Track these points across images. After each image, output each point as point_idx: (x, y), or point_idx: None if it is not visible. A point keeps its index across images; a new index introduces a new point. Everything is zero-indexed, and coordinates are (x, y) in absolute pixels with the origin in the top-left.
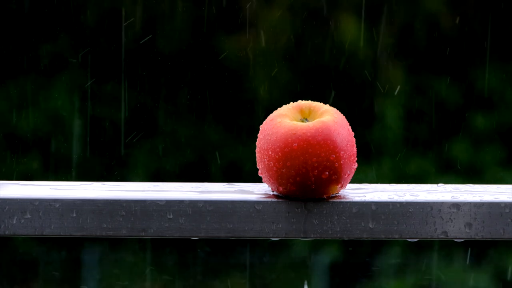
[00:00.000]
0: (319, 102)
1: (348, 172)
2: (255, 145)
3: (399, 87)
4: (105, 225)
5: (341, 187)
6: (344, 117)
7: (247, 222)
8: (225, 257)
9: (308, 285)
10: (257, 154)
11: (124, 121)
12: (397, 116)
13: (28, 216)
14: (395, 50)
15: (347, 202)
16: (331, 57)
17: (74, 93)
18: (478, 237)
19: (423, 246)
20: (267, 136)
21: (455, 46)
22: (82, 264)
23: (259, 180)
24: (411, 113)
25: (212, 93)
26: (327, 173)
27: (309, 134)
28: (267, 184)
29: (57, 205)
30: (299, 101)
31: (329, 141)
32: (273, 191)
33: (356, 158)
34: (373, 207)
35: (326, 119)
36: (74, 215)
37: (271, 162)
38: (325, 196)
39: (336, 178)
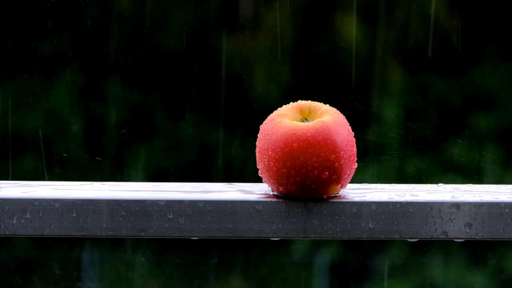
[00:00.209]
0: (319, 102)
1: (348, 172)
2: (255, 145)
3: (399, 87)
4: (105, 225)
5: (341, 187)
6: (344, 117)
7: (247, 222)
8: (225, 257)
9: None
10: (257, 154)
11: (124, 121)
12: (397, 116)
13: (28, 216)
14: (395, 50)
15: (347, 202)
16: (331, 57)
17: (74, 93)
18: (478, 237)
19: (423, 246)
20: (267, 136)
21: (455, 46)
22: (82, 264)
23: (259, 180)
24: (411, 113)
25: (212, 93)
26: (327, 173)
27: (309, 134)
28: (267, 184)
29: (57, 205)
30: (299, 101)
31: (329, 141)
32: (273, 191)
33: (356, 158)
34: (373, 207)
35: (326, 119)
36: (74, 215)
37: (271, 162)
38: (325, 196)
39: (336, 178)
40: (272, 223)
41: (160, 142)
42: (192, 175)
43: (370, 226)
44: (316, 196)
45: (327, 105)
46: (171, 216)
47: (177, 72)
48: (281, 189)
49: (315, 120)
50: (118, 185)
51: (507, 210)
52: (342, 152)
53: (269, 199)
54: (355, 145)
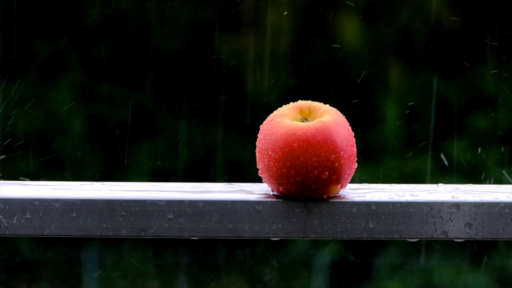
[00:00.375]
0: (319, 102)
1: (348, 172)
2: (255, 145)
3: (399, 87)
4: (105, 225)
5: (341, 187)
6: (344, 117)
7: (247, 222)
8: (225, 257)
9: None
10: (257, 154)
11: (124, 121)
12: (397, 116)
13: (28, 216)
14: (395, 50)
15: (347, 202)
16: (331, 57)
17: (74, 93)
18: (478, 237)
19: (423, 246)
20: (267, 136)
21: (455, 46)
22: (82, 264)
23: (259, 180)
24: (411, 113)
25: (212, 93)
26: (327, 173)
27: (309, 134)
28: (267, 184)
29: (57, 205)
30: (299, 101)
31: (329, 141)
32: (273, 191)
33: (356, 158)
34: (373, 207)
35: (326, 119)
36: (74, 215)
37: (271, 162)
38: (325, 196)
39: (336, 178)
40: (272, 223)
41: (160, 142)
42: (192, 175)
43: (370, 226)
44: (316, 196)
45: (327, 105)
46: (171, 216)
47: (177, 72)
48: (281, 189)
49: (315, 120)
50: (118, 185)
51: (507, 210)
52: (342, 152)
53: (269, 199)
54: (355, 145)
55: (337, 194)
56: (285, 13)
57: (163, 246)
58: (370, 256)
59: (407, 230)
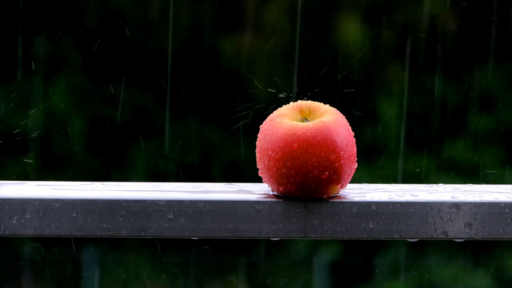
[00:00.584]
0: (319, 102)
1: (348, 172)
2: (255, 145)
3: (399, 87)
4: (105, 225)
5: (341, 187)
6: (344, 117)
7: (247, 222)
8: (225, 257)
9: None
10: (257, 154)
11: (124, 121)
12: (397, 116)
13: (28, 216)
14: (395, 49)
15: (347, 202)
16: (331, 57)
17: (74, 93)
18: (478, 237)
19: (423, 246)
20: (267, 136)
21: (456, 46)
22: (82, 264)
23: (259, 180)
24: (411, 113)
25: (212, 93)
26: (327, 173)
27: (309, 134)
28: (267, 184)
29: (57, 205)
30: (299, 101)
31: (329, 141)
32: (273, 191)
33: (356, 158)
34: (373, 207)
35: (326, 119)
36: (74, 215)
37: (271, 162)
38: (325, 196)
39: (336, 178)
40: (272, 223)
41: (160, 142)
42: (192, 175)
43: (370, 226)
44: (316, 196)
45: (327, 105)
46: (171, 216)
47: (177, 72)
48: (281, 189)
49: (315, 120)
50: (118, 185)
51: (507, 210)
52: (342, 152)
53: (269, 199)
54: (355, 145)
55: (337, 194)
56: (286, 12)
57: (163, 246)
58: (370, 256)
59: (407, 230)
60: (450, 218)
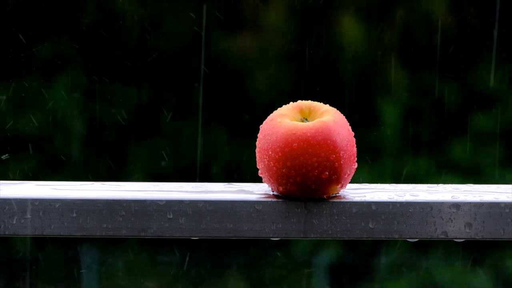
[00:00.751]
0: (319, 102)
1: (348, 172)
2: (255, 145)
3: (399, 87)
4: (105, 225)
5: (341, 187)
6: (344, 117)
7: (247, 222)
8: (225, 257)
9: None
10: (257, 154)
11: (124, 121)
12: (397, 116)
13: (28, 216)
14: (396, 49)
15: (347, 202)
16: (331, 57)
17: (74, 93)
18: (478, 237)
19: (423, 246)
20: (267, 136)
21: (456, 46)
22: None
23: (259, 180)
24: (411, 113)
25: (212, 93)
26: (327, 173)
27: (309, 134)
28: (267, 184)
29: (57, 205)
30: (299, 101)
31: (329, 141)
32: (273, 191)
33: (356, 158)
34: (373, 207)
35: (326, 119)
36: (74, 215)
37: (271, 162)
38: (325, 196)
39: (336, 178)
40: (272, 223)
41: (160, 142)
42: (192, 175)
43: (370, 226)
44: (316, 196)
45: (327, 105)
46: (171, 216)
47: (177, 72)
48: (281, 189)
49: (315, 120)
50: (118, 185)
51: (507, 210)
52: (342, 152)
53: (269, 199)
54: (355, 145)
55: (337, 194)
56: (286, 12)
57: (163, 246)
58: (370, 256)
59: (407, 230)
60: (450, 218)
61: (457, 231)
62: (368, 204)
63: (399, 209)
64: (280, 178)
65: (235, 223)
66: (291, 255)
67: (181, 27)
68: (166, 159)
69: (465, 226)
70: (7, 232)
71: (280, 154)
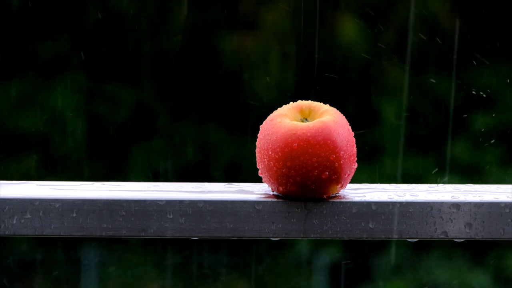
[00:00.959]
0: (319, 102)
1: (348, 172)
2: (255, 145)
3: (399, 86)
4: (105, 225)
5: (341, 187)
6: (344, 117)
7: (247, 222)
8: (225, 257)
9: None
10: (257, 154)
11: (124, 121)
12: (397, 115)
13: (28, 216)
14: (395, 49)
15: (347, 202)
16: (331, 57)
17: (74, 93)
18: (478, 237)
19: (423, 246)
20: (267, 136)
21: (455, 46)
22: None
23: (259, 180)
24: (411, 112)
25: (212, 93)
26: (327, 173)
27: (309, 134)
28: (267, 184)
29: (57, 205)
30: (299, 101)
31: (329, 141)
32: (273, 191)
33: (356, 158)
34: (373, 207)
35: (326, 119)
36: (74, 215)
37: (271, 162)
38: (325, 196)
39: (336, 178)
40: (272, 223)
41: (160, 142)
42: (192, 175)
43: (370, 226)
44: (316, 196)
45: (327, 105)
46: (171, 216)
47: (177, 72)
48: (281, 189)
49: (315, 120)
50: (118, 185)
51: (507, 210)
52: (342, 152)
53: (269, 199)
54: (355, 145)
55: (337, 194)
56: (285, 12)
57: (163, 246)
58: (370, 256)
59: (407, 230)
60: (450, 218)
61: (457, 231)
62: (368, 204)
63: (399, 209)
64: (280, 178)
65: (235, 223)
66: (291, 255)
67: (181, 27)
68: (166, 159)
69: (465, 226)
70: (7, 232)
71: (280, 154)
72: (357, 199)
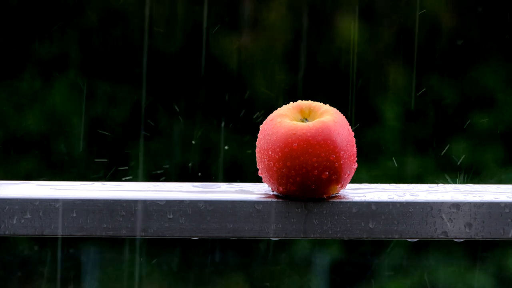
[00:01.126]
0: (319, 102)
1: (348, 172)
2: (255, 145)
3: (399, 86)
4: (105, 225)
5: (341, 187)
6: (344, 117)
7: (247, 222)
8: (225, 257)
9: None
10: (257, 154)
11: (124, 121)
12: (397, 115)
13: (28, 216)
14: (395, 49)
15: (347, 202)
16: (331, 57)
17: (74, 93)
18: (478, 237)
19: (423, 246)
20: (267, 136)
21: (455, 46)
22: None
23: (259, 180)
24: (411, 112)
25: (212, 93)
26: (327, 173)
27: (309, 134)
28: (267, 184)
29: (57, 205)
30: (299, 101)
31: (329, 141)
32: (273, 191)
33: (356, 158)
34: (373, 207)
35: (326, 119)
36: (74, 215)
37: (271, 162)
38: (325, 196)
39: (336, 178)
40: (272, 223)
41: (160, 142)
42: (192, 175)
43: (370, 226)
44: (316, 196)
45: (327, 105)
46: (171, 216)
47: (177, 72)
48: (281, 189)
49: (315, 120)
50: (118, 185)
51: (507, 210)
52: (342, 152)
53: (269, 199)
54: (355, 145)
55: (337, 194)
56: (285, 12)
57: (163, 246)
58: (370, 256)
59: (407, 230)
60: (450, 218)
61: (457, 231)
62: (368, 204)
63: (399, 209)
64: (280, 178)
65: (235, 223)
66: (291, 255)
67: (181, 27)
68: (166, 159)
69: (465, 226)
70: (7, 232)
71: (280, 154)
72: (357, 199)
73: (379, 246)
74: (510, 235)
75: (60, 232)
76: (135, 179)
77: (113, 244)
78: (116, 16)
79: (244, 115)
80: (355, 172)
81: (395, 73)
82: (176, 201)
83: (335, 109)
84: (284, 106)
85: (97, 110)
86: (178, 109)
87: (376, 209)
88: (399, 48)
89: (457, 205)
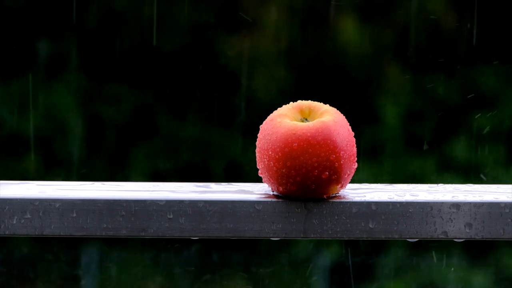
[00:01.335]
0: (319, 102)
1: (348, 172)
2: (255, 145)
3: (399, 86)
4: (105, 225)
5: (341, 187)
6: (344, 117)
7: (247, 222)
8: (225, 257)
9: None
10: (257, 154)
11: (124, 121)
12: (397, 115)
13: (28, 216)
14: (395, 49)
15: (347, 202)
16: (331, 57)
17: (74, 93)
18: (478, 237)
19: (423, 246)
20: (267, 136)
21: (455, 46)
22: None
23: (259, 180)
24: (411, 112)
25: (212, 93)
26: (327, 173)
27: (309, 134)
28: (267, 184)
29: (57, 205)
30: (299, 101)
31: (329, 141)
32: (273, 191)
33: (356, 158)
34: (373, 207)
35: (326, 119)
36: (74, 215)
37: (271, 162)
38: (325, 196)
39: (336, 178)
40: (272, 223)
41: (160, 142)
42: (192, 175)
43: (370, 226)
44: (316, 196)
45: (327, 105)
46: (171, 216)
47: (177, 72)
48: (281, 189)
49: (315, 120)
50: (118, 185)
51: (507, 210)
52: (342, 152)
53: (269, 199)
54: (355, 145)
55: (337, 194)
56: (285, 12)
57: (163, 246)
58: (370, 256)
59: (407, 230)
60: (450, 218)
61: (457, 231)
62: (368, 204)
63: (399, 209)
64: (280, 178)
65: (235, 223)
66: (291, 255)
67: (181, 27)
68: (166, 159)
69: (465, 226)
70: (7, 232)
71: (280, 154)
72: (357, 199)
73: (379, 246)
74: (510, 235)
75: (60, 232)
76: (135, 179)
77: (113, 244)
78: (117, 16)
79: (244, 115)
80: (355, 172)
81: (395, 73)
82: (176, 201)
83: (335, 109)
84: (284, 106)
85: (97, 110)
86: (178, 109)
87: (376, 209)
88: (399, 48)
89: (457, 205)
